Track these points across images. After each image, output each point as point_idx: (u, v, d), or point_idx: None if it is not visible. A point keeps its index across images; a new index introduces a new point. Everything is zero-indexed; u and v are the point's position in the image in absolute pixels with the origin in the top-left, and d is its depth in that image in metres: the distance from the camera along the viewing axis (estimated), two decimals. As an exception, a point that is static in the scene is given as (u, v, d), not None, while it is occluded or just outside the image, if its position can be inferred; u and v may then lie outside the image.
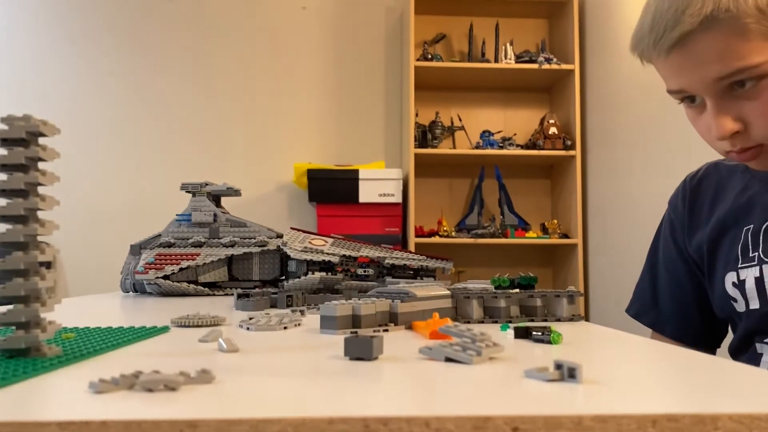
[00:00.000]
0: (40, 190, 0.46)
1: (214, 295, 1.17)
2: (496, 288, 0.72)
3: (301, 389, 0.36)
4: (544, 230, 2.76)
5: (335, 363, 0.44)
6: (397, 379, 0.39)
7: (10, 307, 0.44)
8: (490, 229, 2.70)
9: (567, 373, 0.37)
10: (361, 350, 0.44)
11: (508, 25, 2.98)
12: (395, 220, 2.70)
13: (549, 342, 0.53)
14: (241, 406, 0.32)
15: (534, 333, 0.54)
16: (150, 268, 1.13)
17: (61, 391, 0.35)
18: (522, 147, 2.83)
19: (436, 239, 2.70)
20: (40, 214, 0.46)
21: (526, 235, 2.71)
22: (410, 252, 1.25)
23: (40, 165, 0.46)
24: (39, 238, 0.45)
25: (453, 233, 2.75)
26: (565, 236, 2.76)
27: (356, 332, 0.60)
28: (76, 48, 3.01)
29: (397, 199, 2.66)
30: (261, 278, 1.22)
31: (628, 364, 0.47)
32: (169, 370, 0.41)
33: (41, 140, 0.46)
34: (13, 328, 0.44)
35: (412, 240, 2.65)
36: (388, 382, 0.39)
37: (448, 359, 0.44)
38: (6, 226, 0.44)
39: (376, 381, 0.39)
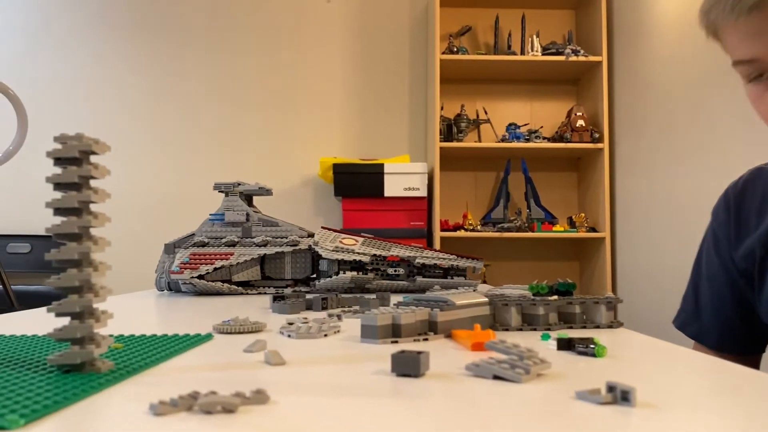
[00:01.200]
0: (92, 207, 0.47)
1: (247, 294, 1.18)
2: (534, 295, 0.72)
3: (354, 411, 0.36)
4: (572, 224, 2.74)
5: (383, 380, 0.44)
6: (446, 400, 0.39)
7: (66, 323, 0.45)
8: (517, 223, 2.69)
9: (620, 396, 0.37)
10: (408, 367, 0.44)
11: (535, 17, 2.95)
12: (420, 214, 2.70)
13: (593, 355, 0.53)
14: (298, 430, 0.32)
15: (578, 346, 0.54)
16: (185, 268, 1.14)
17: (121, 413, 0.36)
18: (549, 140, 2.81)
19: (461, 233, 2.70)
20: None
21: (553, 228, 2.70)
22: (440, 251, 1.25)
23: (92, 183, 0.47)
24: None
25: (478, 227, 2.75)
26: (593, 230, 2.74)
27: (396, 341, 0.60)
28: (107, 47, 3.04)
29: (423, 193, 2.66)
30: (293, 277, 1.23)
31: (681, 383, 0.46)
32: (219, 386, 0.41)
33: (92, 158, 0.47)
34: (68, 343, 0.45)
35: (438, 234, 2.65)
36: (438, 403, 0.39)
37: (496, 377, 0.44)
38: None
39: (427, 402, 0.39)
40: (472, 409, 0.37)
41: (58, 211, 0.45)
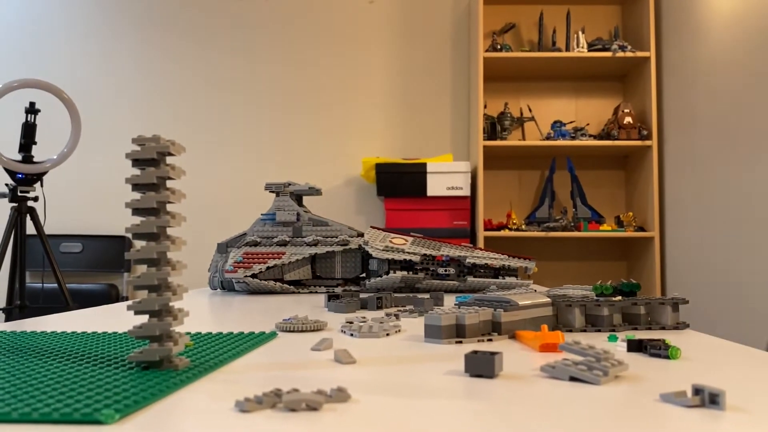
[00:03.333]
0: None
1: (298, 293, 1.20)
2: (597, 295, 0.71)
3: (435, 412, 0.36)
4: (619, 223, 2.69)
5: (457, 380, 0.44)
6: (525, 402, 0.39)
7: (145, 321, 0.46)
8: (562, 222, 2.65)
9: (708, 398, 0.36)
10: (482, 368, 0.44)
11: (580, 13, 2.90)
12: (463, 214, 2.68)
13: (667, 357, 0.52)
14: (384, 430, 0.33)
15: (650, 347, 0.53)
16: (239, 267, 1.16)
17: (208, 410, 0.36)
18: (595, 137, 2.76)
19: (505, 232, 2.67)
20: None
21: (600, 228, 2.65)
22: (491, 251, 1.24)
23: (168, 183, 0.48)
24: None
25: (523, 226, 2.72)
26: (641, 229, 2.68)
27: (461, 341, 0.60)
28: (156, 50, 3.11)
29: (466, 192, 2.64)
30: (343, 276, 1.23)
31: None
32: (296, 383, 0.42)
33: (168, 159, 0.48)
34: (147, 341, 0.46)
35: (481, 233, 2.63)
36: (516, 405, 0.38)
37: (572, 378, 0.43)
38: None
39: (506, 404, 0.38)
40: (553, 411, 0.37)
41: (136, 212, 0.46)
